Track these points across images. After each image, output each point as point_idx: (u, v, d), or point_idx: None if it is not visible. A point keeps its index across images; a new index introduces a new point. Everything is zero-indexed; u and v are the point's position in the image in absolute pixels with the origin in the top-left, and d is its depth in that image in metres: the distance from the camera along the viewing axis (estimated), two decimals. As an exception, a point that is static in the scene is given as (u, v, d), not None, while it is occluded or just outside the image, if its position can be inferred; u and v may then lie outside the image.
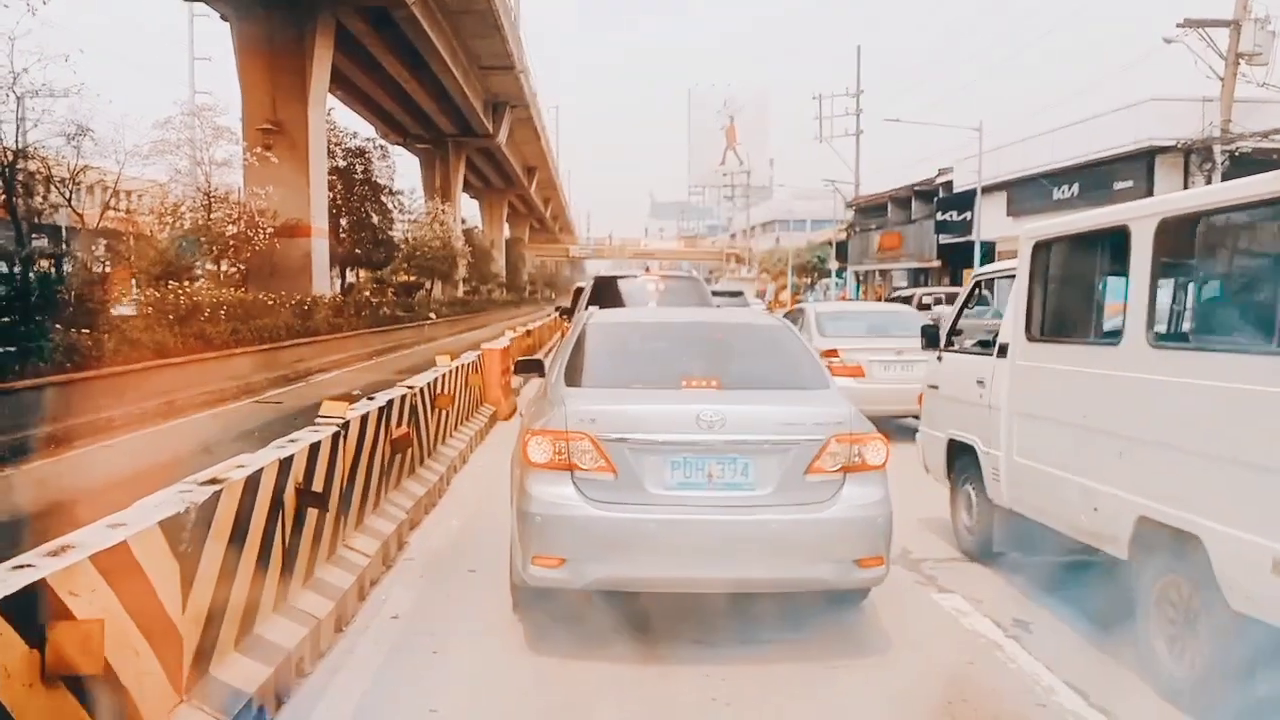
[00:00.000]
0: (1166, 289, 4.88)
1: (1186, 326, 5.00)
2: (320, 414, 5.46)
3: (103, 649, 2.56)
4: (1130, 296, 4.59)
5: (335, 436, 5.29)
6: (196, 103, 26.18)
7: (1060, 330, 5.58)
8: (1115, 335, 4.75)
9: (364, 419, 5.95)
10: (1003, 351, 5.93)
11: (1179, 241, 4.49)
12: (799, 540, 4.46)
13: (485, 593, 5.50)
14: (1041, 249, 5.74)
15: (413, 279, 43.62)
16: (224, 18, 28.79)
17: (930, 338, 7.23)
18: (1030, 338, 5.66)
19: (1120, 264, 4.75)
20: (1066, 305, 5.65)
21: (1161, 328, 4.78)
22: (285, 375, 19.15)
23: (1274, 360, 3.62)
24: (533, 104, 58.20)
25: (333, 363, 22.63)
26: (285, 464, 4.44)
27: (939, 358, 7.07)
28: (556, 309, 31.34)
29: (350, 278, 40.49)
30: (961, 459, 6.47)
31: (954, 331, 7.16)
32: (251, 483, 4.01)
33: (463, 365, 10.70)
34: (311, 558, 4.82)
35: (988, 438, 6.01)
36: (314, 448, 4.89)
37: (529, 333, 20.88)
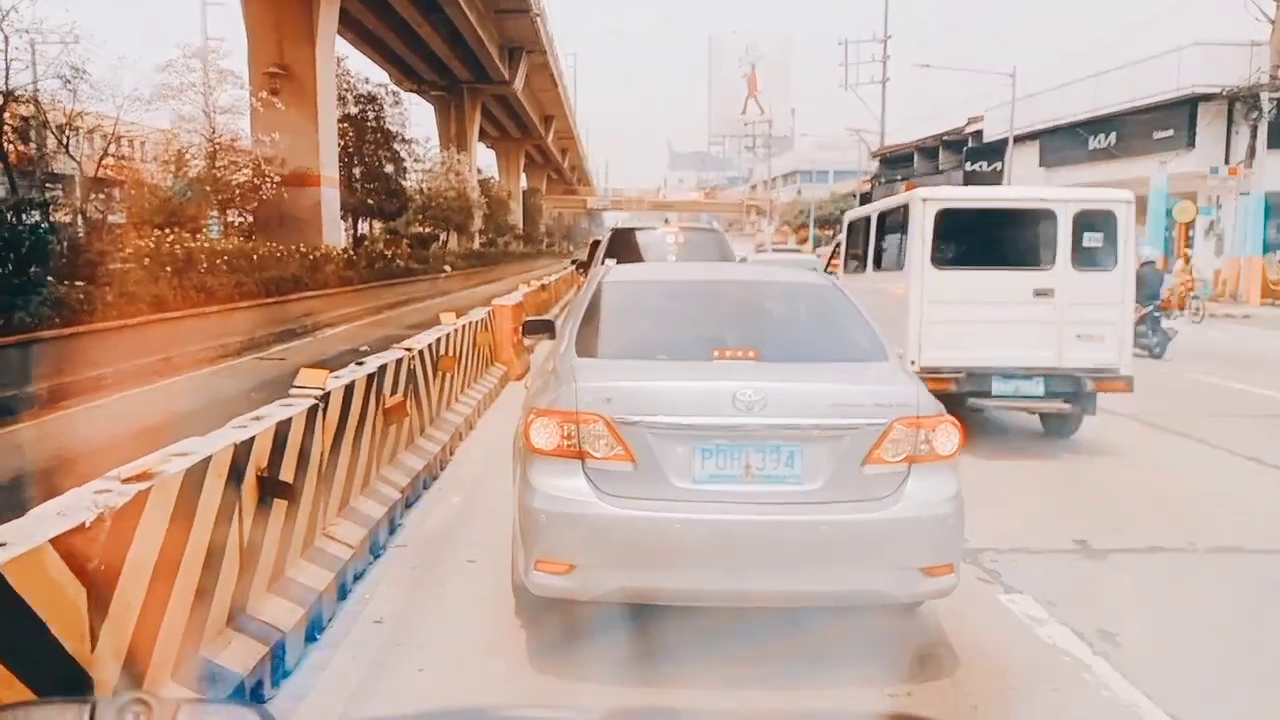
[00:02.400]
0: (884, 244, 9.42)
1: (885, 261, 9.34)
2: (295, 384, 4.74)
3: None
4: (871, 248, 9.64)
5: (312, 411, 4.57)
6: (199, 46, 25.14)
7: (853, 266, 10.52)
8: (864, 267, 9.85)
9: (349, 389, 5.23)
10: None
11: (882, 223, 9.47)
12: (855, 545, 3.75)
13: (484, 591, 4.81)
14: (849, 224, 11.14)
15: (427, 230, 42.80)
16: (227, -45, 27.76)
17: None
18: (845, 271, 10.77)
19: (869, 233, 9.75)
20: (856, 253, 10.51)
21: (880, 263, 9.46)
22: (291, 330, 18.51)
23: (898, 273, 8.54)
24: (550, 50, 56.75)
25: (342, 316, 21.97)
26: (243, 448, 3.73)
27: None
28: (573, 262, 30.48)
29: (363, 228, 39.68)
30: None
31: (827, 269, 12.01)
32: (195, 475, 3.30)
33: (470, 323, 9.96)
34: (279, 556, 4.13)
35: None
36: (283, 426, 4.17)
37: (544, 287, 20.08)
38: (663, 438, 3.70)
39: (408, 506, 6.19)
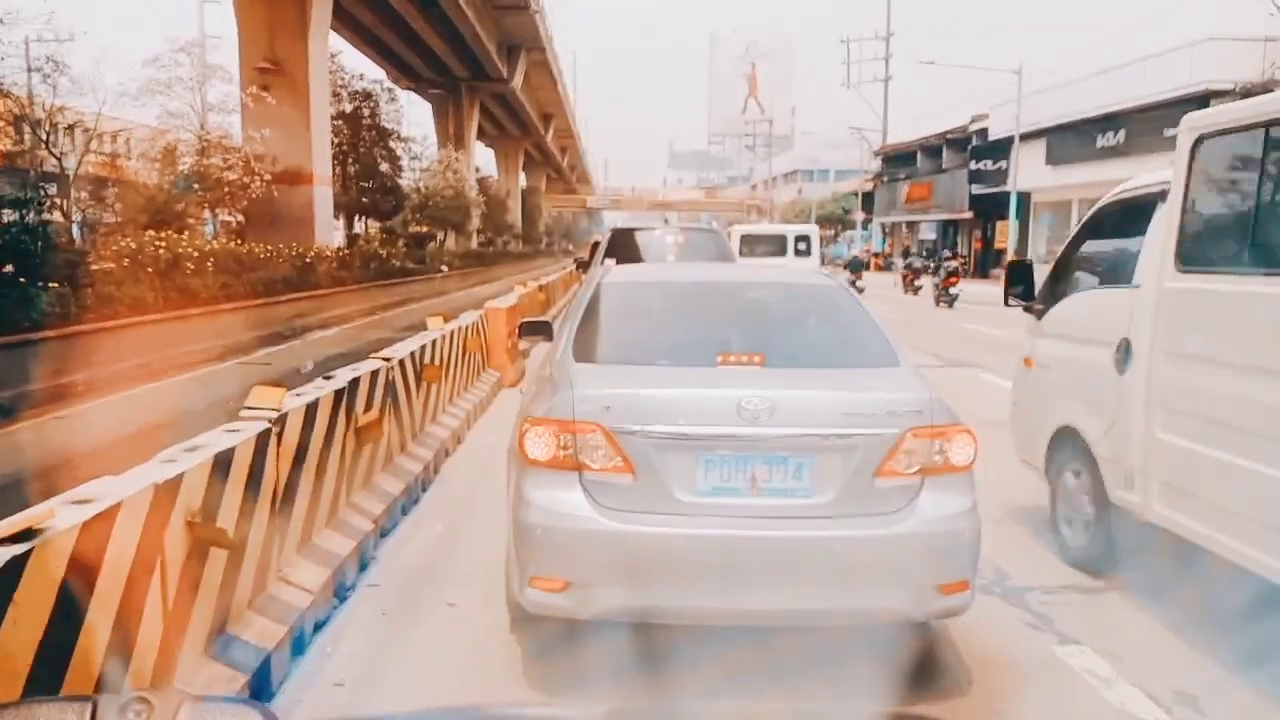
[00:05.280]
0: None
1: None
2: (246, 405, 4.12)
3: None
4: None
5: (263, 436, 3.95)
6: (187, 40, 24.47)
7: None
8: None
9: (311, 408, 4.60)
10: None
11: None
12: (866, 561, 3.56)
13: (465, 640, 4.20)
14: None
15: (425, 229, 42.20)
16: (217, -52, 27.13)
17: None
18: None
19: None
20: None
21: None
22: (279, 333, 17.83)
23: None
24: (549, 47, 56.15)
25: (333, 318, 21.29)
26: (167, 490, 3.10)
27: None
28: (575, 260, 30.05)
29: (358, 228, 39.04)
30: None
31: None
32: (96, 530, 2.67)
33: (460, 328, 9.34)
34: (218, 614, 3.50)
35: None
36: (224, 458, 3.55)
37: (541, 288, 19.43)
38: (664, 448, 3.50)
39: (383, 536, 5.56)
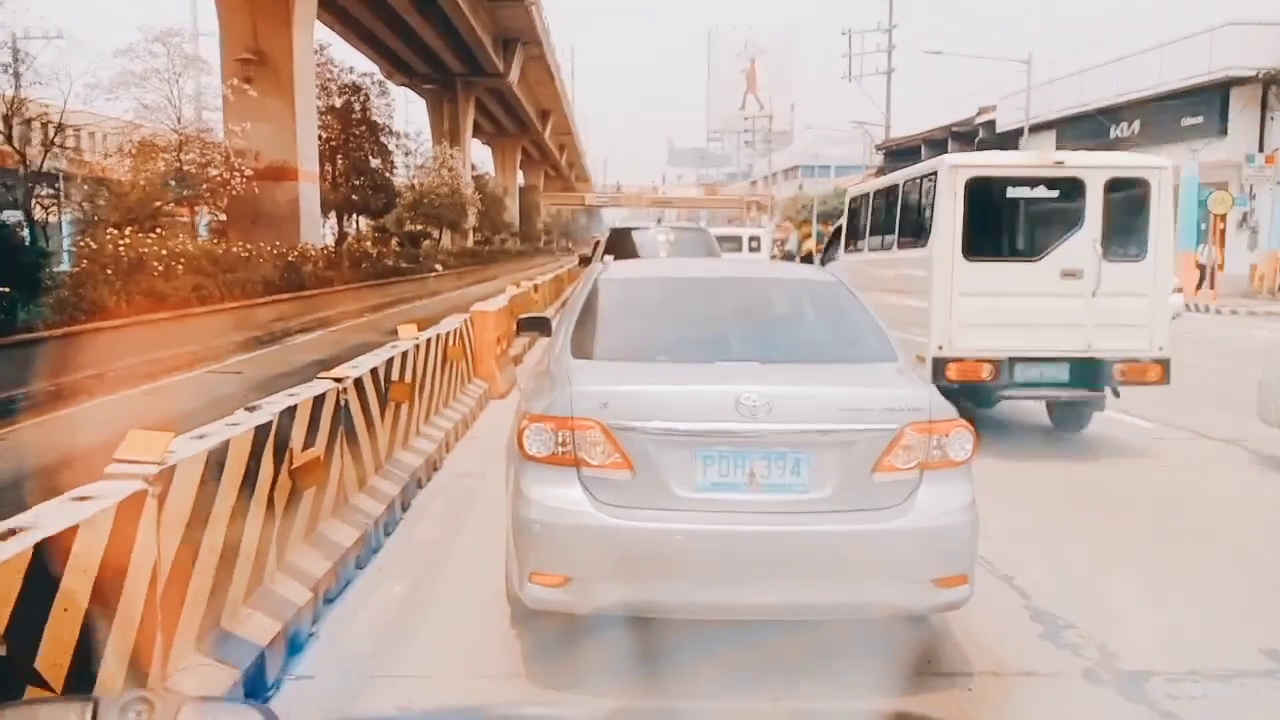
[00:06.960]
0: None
1: None
2: (117, 457, 3.04)
3: None
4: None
5: (133, 503, 2.87)
6: (163, 29, 23.30)
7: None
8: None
9: (216, 455, 3.50)
10: None
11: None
12: (865, 556, 3.58)
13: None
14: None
15: (419, 228, 41.11)
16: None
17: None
18: None
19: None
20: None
21: None
22: (257, 337, 16.72)
23: None
24: (546, 41, 55.10)
25: (317, 321, 20.18)
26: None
27: None
28: (579, 258, 29.38)
29: (349, 226, 37.93)
30: None
31: None
32: None
33: (439, 335, 8.25)
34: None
35: None
36: (57, 545, 2.47)
37: (536, 288, 18.36)
38: (662, 444, 3.52)
39: (329, 601, 4.48)
